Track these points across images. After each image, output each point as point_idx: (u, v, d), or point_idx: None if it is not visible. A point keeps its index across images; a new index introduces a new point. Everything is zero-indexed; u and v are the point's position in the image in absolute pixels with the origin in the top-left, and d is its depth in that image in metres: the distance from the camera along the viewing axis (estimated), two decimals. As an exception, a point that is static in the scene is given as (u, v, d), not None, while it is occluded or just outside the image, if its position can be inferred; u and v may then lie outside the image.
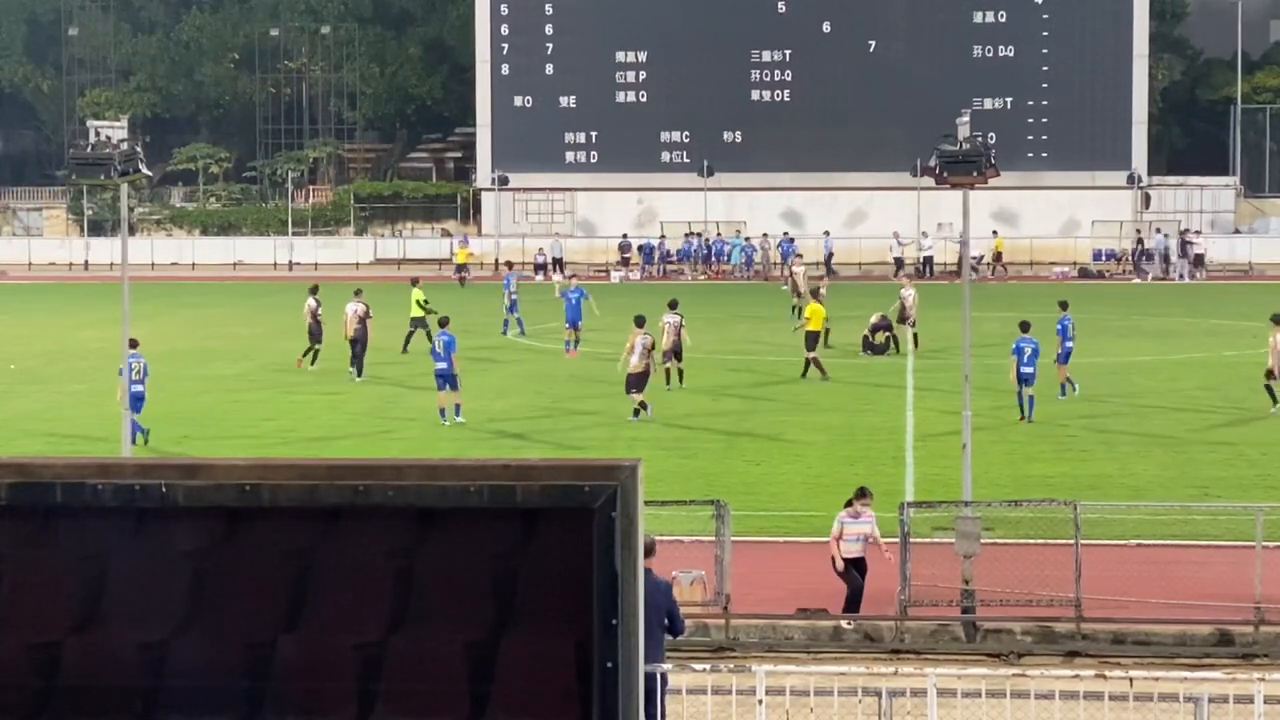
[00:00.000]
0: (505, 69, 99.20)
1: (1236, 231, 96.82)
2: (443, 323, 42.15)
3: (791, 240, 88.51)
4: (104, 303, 63.28)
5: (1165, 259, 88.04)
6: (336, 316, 48.56)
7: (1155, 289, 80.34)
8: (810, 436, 38.25)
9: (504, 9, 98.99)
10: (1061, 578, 24.15)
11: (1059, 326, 43.80)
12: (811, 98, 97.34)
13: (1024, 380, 39.97)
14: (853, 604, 24.69)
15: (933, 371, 47.21)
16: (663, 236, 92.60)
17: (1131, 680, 18.53)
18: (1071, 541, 24.39)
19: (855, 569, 24.73)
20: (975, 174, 27.69)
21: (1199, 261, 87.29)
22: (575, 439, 37.79)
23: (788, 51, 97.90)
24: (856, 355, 51.56)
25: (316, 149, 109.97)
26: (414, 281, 55.33)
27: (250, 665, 4.24)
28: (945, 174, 27.82)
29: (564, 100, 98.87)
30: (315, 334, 49.02)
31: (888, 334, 52.37)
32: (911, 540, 24.46)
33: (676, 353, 45.55)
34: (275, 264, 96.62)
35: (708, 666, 19.70)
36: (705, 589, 24.48)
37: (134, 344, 38.67)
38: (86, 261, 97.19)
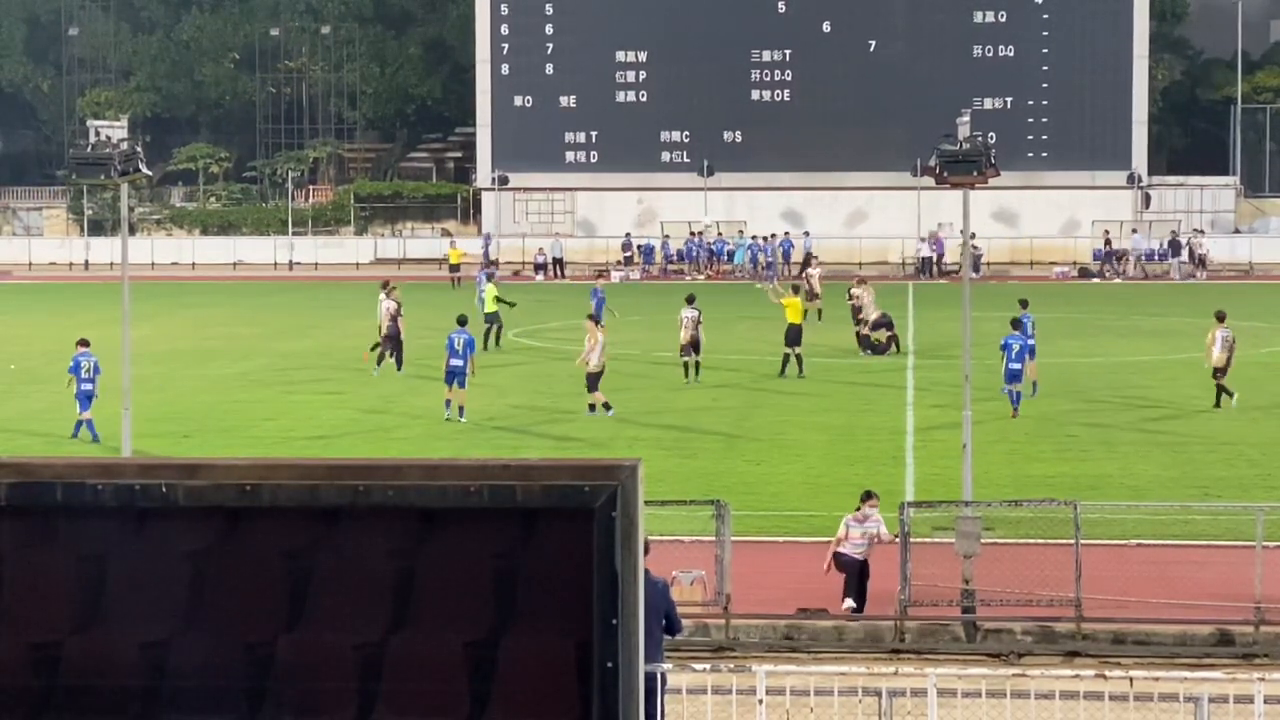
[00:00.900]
0: (505, 69, 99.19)
1: (1236, 231, 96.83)
2: (461, 321, 42.46)
3: (791, 240, 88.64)
4: (104, 303, 63.25)
5: (1152, 258, 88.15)
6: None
7: (1155, 289, 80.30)
8: (810, 436, 38.25)
9: (504, 9, 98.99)
10: (1061, 578, 24.15)
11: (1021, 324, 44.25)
12: (811, 98, 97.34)
13: (1011, 376, 40.34)
14: (857, 594, 24.70)
15: (933, 371, 47.22)
16: (665, 236, 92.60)
17: (1131, 680, 18.52)
18: (1071, 541, 24.39)
19: (858, 576, 24.76)
20: (975, 174, 27.70)
21: (1201, 262, 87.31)
22: (575, 439, 37.79)
23: (788, 51, 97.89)
24: (857, 355, 51.57)
25: (316, 149, 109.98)
26: (489, 276, 57.00)
27: (250, 665, 4.24)
28: (945, 174, 27.83)
29: (564, 100, 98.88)
30: (394, 337, 48.40)
31: (890, 333, 52.31)
32: (911, 540, 24.47)
33: (695, 346, 46.26)
34: (275, 264, 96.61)
35: (708, 666, 19.70)
36: (705, 589, 24.48)
37: (84, 343, 38.95)
38: (87, 261, 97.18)
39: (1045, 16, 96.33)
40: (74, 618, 4.30)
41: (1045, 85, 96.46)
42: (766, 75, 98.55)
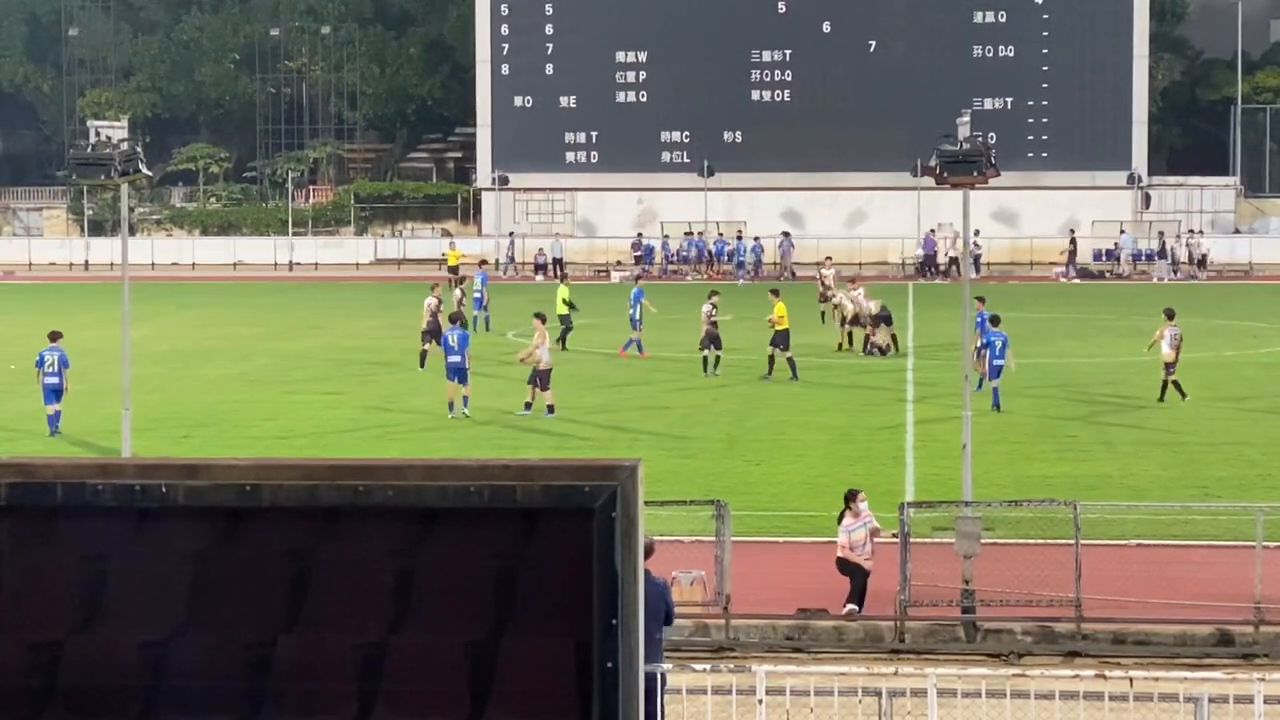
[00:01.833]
0: (505, 69, 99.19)
1: (1236, 232, 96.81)
2: (456, 319, 42.77)
3: (791, 241, 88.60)
4: (104, 303, 63.27)
5: (1139, 258, 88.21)
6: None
7: (1156, 289, 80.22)
8: (810, 436, 38.25)
9: (504, 9, 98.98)
10: (1061, 578, 24.15)
11: (978, 321, 44.47)
12: (811, 98, 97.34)
13: (994, 372, 40.79)
14: (858, 597, 24.74)
15: (932, 371, 47.22)
16: (666, 237, 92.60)
17: (1131, 680, 18.52)
18: (1071, 541, 24.39)
19: (863, 583, 24.77)
20: (975, 174, 27.70)
21: (1202, 262, 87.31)
22: (575, 439, 37.80)
23: (788, 51, 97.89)
24: (857, 355, 51.57)
25: (317, 149, 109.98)
26: (562, 278, 58.39)
27: (250, 665, 4.24)
28: (945, 174, 27.83)
29: (564, 100, 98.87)
30: (434, 331, 48.49)
31: (890, 329, 52.25)
32: (911, 540, 24.47)
33: (714, 341, 46.79)
34: (275, 264, 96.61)
35: (708, 666, 19.71)
36: (705, 589, 24.48)
37: (55, 336, 39.11)
38: (87, 261, 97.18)
39: (1045, 16, 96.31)
40: (74, 618, 4.30)
41: (1045, 85, 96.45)
42: (766, 75, 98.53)
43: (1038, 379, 45.96)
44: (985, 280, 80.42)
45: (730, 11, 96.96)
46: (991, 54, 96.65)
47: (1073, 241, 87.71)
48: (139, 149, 29.66)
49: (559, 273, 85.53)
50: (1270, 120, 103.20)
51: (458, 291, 51.04)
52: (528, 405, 40.62)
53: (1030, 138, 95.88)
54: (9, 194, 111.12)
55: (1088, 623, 24.04)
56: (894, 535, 24.85)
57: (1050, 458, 35.59)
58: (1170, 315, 43.11)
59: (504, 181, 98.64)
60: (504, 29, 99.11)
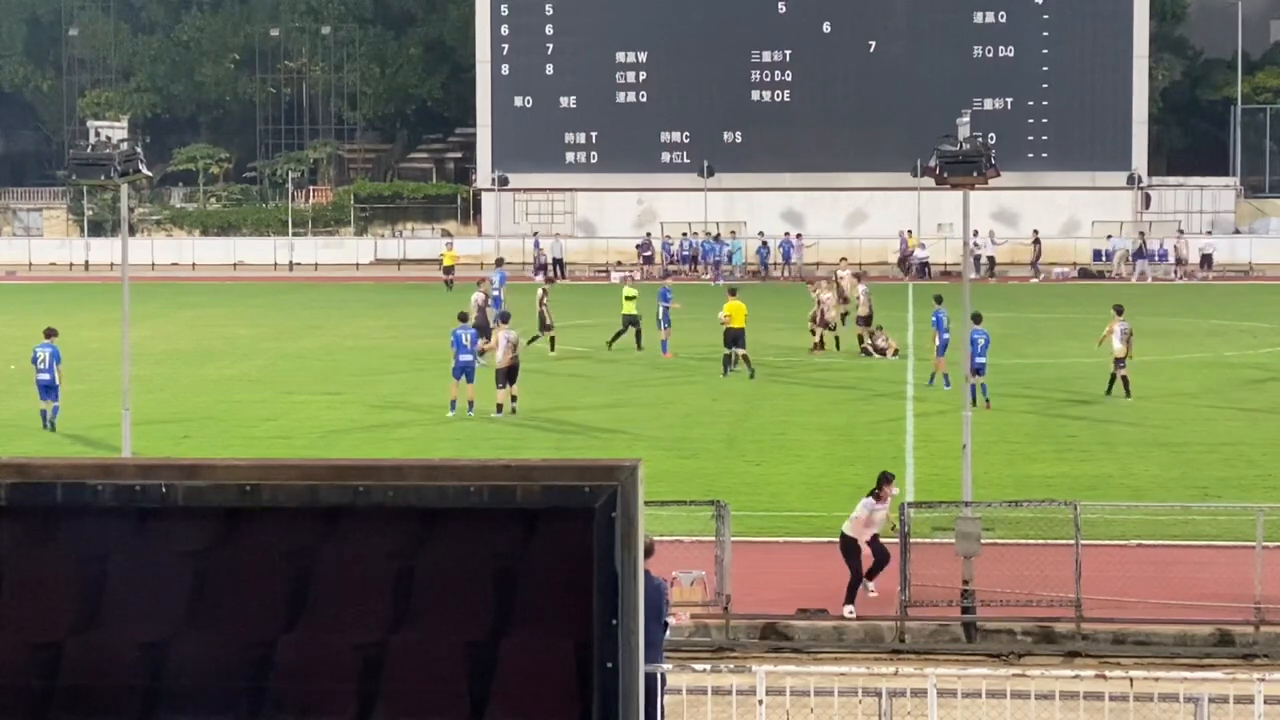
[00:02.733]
0: (505, 69, 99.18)
1: (1236, 232, 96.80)
2: (463, 318, 42.65)
3: (792, 241, 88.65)
4: (104, 303, 63.30)
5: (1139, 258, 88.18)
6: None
7: (1156, 289, 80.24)
8: (810, 436, 38.25)
9: (504, 9, 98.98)
10: (1061, 578, 24.15)
11: (934, 319, 44.78)
12: (811, 98, 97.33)
13: (976, 370, 40.73)
14: (852, 593, 24.78)
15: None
16: (666, 237, 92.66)
17: (1131, 680, 18.52)
18: (1071, 542, 24.39)
19: (859, 553, 24.86)
20: (975, 174, 27.69)
21: (1204, 262, 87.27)
22: (575, 439, 37.80)
23: (788, 51, 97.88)
24: (857, 355, 51.58)
25: (317, 149, 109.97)
26: (626, 280, 58.71)
27: (250, 665, 4.24)
28: (945, 174, 27.81)
29: (564, 100, 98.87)
30: (483, 327, 48.41)
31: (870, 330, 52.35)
32: (911, 540, 24.47)
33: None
34: (275, 264, 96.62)
35: (708, 666, 19.71)
36: (705, 589, 24.48)
37: (50, 333, 39.30)
38: (87, 262, 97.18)
39: (1045, 16, 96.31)
40: (74, 618, 4.30)
41: (1045, 85, 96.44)
42: (766, 75, 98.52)
43: (1038, 379, 45.97)
44: (984, 281, 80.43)
45: (730, 12, 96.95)
46: (991, 54, 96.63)
47: (1036, 243, 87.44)
48: (139, 149, 29.65)
49: (559, 273, 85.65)
50: (1270, 120, 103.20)
51: (479, 293, 50.65)
52: (499, 407, 40.75)
53: (1030, 138, 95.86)
54: (9, 194, 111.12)
55: (1088, 623, 24.03)
56: (894, 527, 24.87)
57: (1050, 458, 35.58)
58: (1119, 310, 43.41)
59: (504, 182, 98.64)
60: (504, 29, 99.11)
